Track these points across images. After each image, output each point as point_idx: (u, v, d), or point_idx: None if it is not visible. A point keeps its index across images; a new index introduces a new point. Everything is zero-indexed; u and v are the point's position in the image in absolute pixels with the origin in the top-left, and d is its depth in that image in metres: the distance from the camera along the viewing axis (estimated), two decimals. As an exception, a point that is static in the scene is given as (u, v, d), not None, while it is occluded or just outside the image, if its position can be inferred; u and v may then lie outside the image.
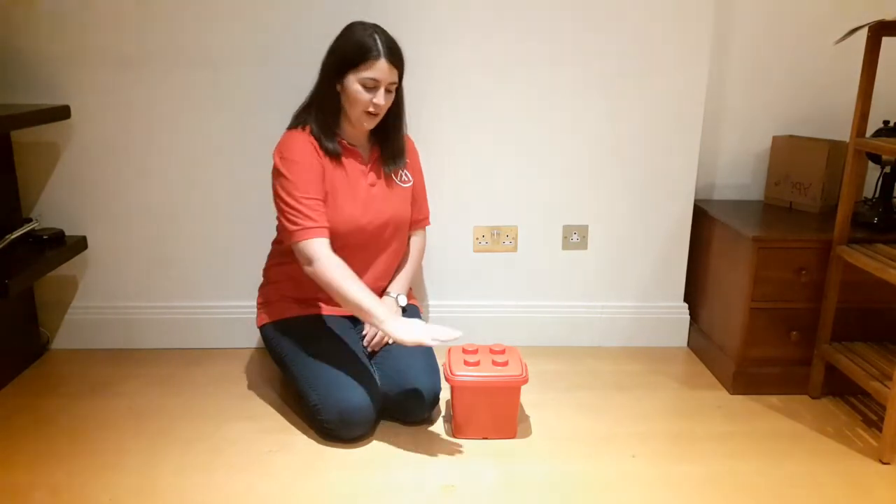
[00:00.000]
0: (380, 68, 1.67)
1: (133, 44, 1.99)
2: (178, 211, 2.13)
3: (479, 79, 2.08)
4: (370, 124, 1.75)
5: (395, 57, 1.70)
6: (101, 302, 2.19)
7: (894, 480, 1.61)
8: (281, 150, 1.72)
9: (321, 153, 1.74)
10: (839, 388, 1.97)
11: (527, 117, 2.11)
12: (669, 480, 1.59)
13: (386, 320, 1.62)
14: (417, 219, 1.96)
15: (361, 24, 1.72)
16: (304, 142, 1.73)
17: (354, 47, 1.68)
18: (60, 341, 2.21)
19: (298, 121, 1.79)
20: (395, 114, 1.80)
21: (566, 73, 2.08)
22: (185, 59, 2.01)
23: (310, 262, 1.66)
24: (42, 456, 1.65)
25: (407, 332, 1.60)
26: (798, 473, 1.63)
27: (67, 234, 2.08)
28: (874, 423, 1.85)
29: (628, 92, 2.10)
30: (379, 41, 1.67)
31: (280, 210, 1.70)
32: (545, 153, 2.15)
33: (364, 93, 1.68)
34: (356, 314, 1.68)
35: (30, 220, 2.05)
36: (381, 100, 1.69)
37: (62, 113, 1.98)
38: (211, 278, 2.19)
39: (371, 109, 1.70)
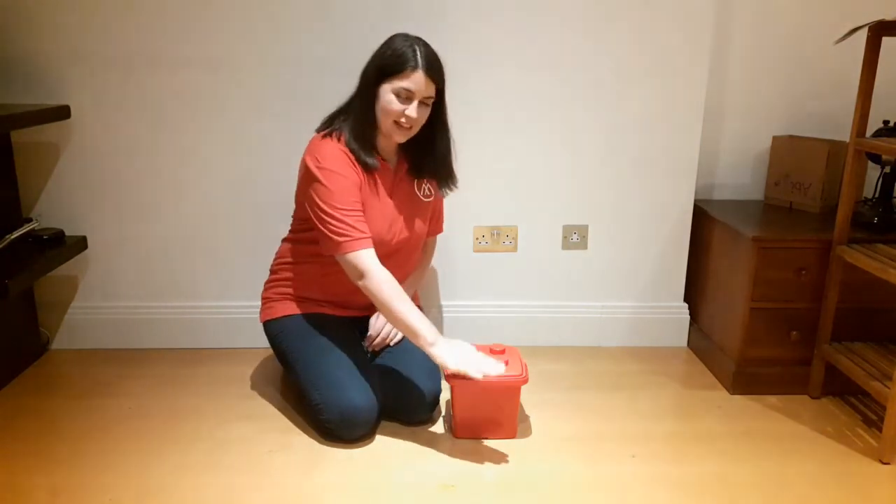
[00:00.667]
0: (415, 80, 1.63)
1: (133, 44, 1.99)
2: (178, 211, 2.13)
3: (479, 80, 2.08)
4: (400, 137, 1.71)
5: (434, 71, 1.66)
6: (101, 302, 2.19)
7: (894, 481, 1.61)
8: (317, 158, 1.68)
9: (357, 166, 1.70)
10: (839, 388, 1.97)
11: (527, 117, 2.11)
12: (669, 480, 1.59)
13: (435, 343, 1.61)
14: (432, 230, 1.98)
15: (405, 35, 1.68)
16: (340, 152, 1.69)
17: (392, 56, 1.64)
18: (60, 341, 2.21)
19: (332, 127, 1.74)
20: (441, 135, 1.76)
21: (566, 73, 2.08)
22: (185, 59, 2.01)
23: (361, 275, 1.64)
24: (42, 456, 1.65)
25: (453, 359, 1.60)
26: (798, 473, 1.63)
27: (67, 234, 2.08)
28: (874, 423, 1.85)
29: (628, 92, 2.10)
30: (418, 52, 1.64)
31: (321, 220, 1.66)
32: (545, 153, 2.15)
33: (396, 103, 1.65)
34: (403, 332, 1.68)
35: (30, 220, 2.05)
36: (414, 112, 1.65)
37: (62, 113, 1.98)
38: (211, 278, 2.19)
39: (402, 122, 1.67)
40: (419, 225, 1.85)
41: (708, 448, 1.72)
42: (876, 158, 1.99)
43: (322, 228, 1.66)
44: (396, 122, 1.67)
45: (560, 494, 1.54)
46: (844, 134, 2.26)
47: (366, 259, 1.64)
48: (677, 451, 1.71)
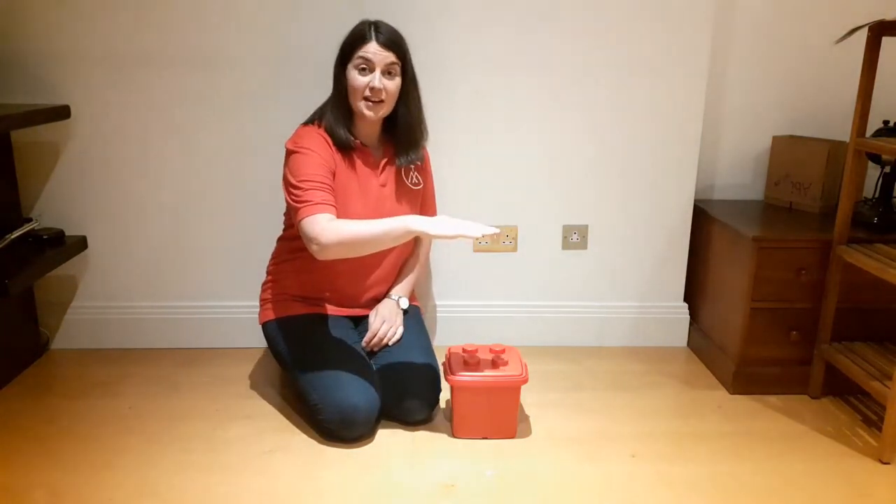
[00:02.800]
0: (370, 49, 1.69)
1: (133, 44, 1.99)
2: (178, 210, 2.13)
3: (479, 79, 2.08)
4: (371, 112, 1.73)
5: (388, 39, 1.71)
6: (101, 302, 2.19)
7: (894, 480, 1.61)
8: (294, 140, 1.73)
9: (333, 148, 1.75)
10: (839, 388, 1.97)
11: (527, 117, 2.11)
12: (669, 480, 1.59)
13: (412, 223, 1.55)
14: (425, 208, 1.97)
15: (365, 19, 1.75)
16: (317, 135, 1.74)
17: (350, 37, 1.73)
18: (60, 341, 2.21)
19: (313, 117, 1.80)
20: (404, 105, 1.78)
21: (566, 73, 2.08)
22: (185, 59, 2.01)
23: (315, 238, 1.57)
24: (41, 456, 1.64)
25: (432, 226, 1.53)
26: (798, 473, 1.63)
27: (67, 234, 2.08)
28: (874, 423, 1.85)
29: (628, 92, 2.10)
30: (372, 27, 1.71)
31: (288, 192, 1.68)
32: (545, 153, 2.15)
33: (359, 77, 1.70)
34: (389, 244, 1.59)
35: (30, 220, 2.05)
36: (377, 82, 1.69)
37: (62, 113, 1.98)
38: (211, 278, 2.19)
39: (368, 94, 1.70)
40: (407, 211, 1.86)
41: (708, 448, 1.72)
42: (876, 158, 1.99)
43: (289, 200, 1.68)
44: (366, 99, 1.71)
45: (560, 494, 1.54)
46: (844, 134, 2.26)
47: (319, 220, 1.59)
48: (677, 451, 1.71)
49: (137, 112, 2.05)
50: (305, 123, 1.80)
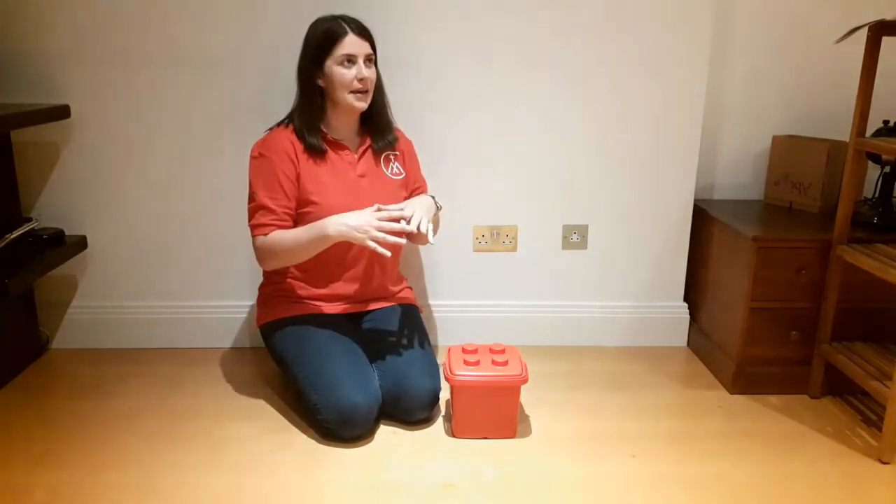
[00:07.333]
0: (350, 42, 1.73)
1: (133, 43, 1.99)
2: (178, 210, 2.13)
3: (480, 78, 2.08)
4: (362, 103, 1.78)
5: (362, 30, 1.76)
6: (101, 302, 2.19)
7: (894, 480, 1.61)
8: (258, 145, 1.80)
9: (301, 150, 1.78)
10: (839, 388, 1.97)
11: (527, 117, 2.11)
12: (669, 480, 1.59)
13: (326, 228, 1.68)
14: (414, 188, 1.97)
15: (324, 16, 1.79)
16: (281, 137, 1.79)
17: (323, 35, 1.75)
18: (60, 341, 2.21)
19: (284, 120, 1.84)
20: (378, 90, 1.84)
21: (566, 72, 2.08)
22: (185, 58, 2.01)
23: (258, 258, 1.79)
24: (42, 456, 1.65)
25: (341, 230, 1.67)
26: (798, 473, 1.63)
27: (67, 234, 2.08)
28: (874, 422, 1.85)
29: (628, 92, 2.10)
30: (343, 21, 1.75)
31: (248, 202, 1.80)
32: (545, 153, 2.15)
33: (346, 71, 1.74)
34: (317, 249, 1.72)
35: (30, 220, 2.05)
36: (364, 72, 1.75)
37: (62, 113, 1.98)
38: (211, 278, 2.19)
39: (358, 85, 1.75)
40: (389, 200, 1.85)
41: (708, 448, 1.72)
42: (876, 158, 1.99)
43: (248, 207, 1.81)
44: (354, 91, 1.76)
45: (560, 494, 1.54)
46: (844, 134, 2.25)
47: (256, 242, 1.78)
48: (677, 451, 1.71)
49: (137, 112, 2.05)
50: (274, 126, 1.84)
